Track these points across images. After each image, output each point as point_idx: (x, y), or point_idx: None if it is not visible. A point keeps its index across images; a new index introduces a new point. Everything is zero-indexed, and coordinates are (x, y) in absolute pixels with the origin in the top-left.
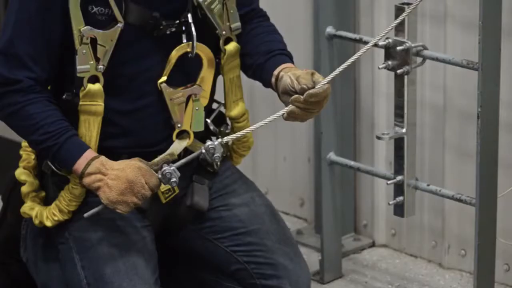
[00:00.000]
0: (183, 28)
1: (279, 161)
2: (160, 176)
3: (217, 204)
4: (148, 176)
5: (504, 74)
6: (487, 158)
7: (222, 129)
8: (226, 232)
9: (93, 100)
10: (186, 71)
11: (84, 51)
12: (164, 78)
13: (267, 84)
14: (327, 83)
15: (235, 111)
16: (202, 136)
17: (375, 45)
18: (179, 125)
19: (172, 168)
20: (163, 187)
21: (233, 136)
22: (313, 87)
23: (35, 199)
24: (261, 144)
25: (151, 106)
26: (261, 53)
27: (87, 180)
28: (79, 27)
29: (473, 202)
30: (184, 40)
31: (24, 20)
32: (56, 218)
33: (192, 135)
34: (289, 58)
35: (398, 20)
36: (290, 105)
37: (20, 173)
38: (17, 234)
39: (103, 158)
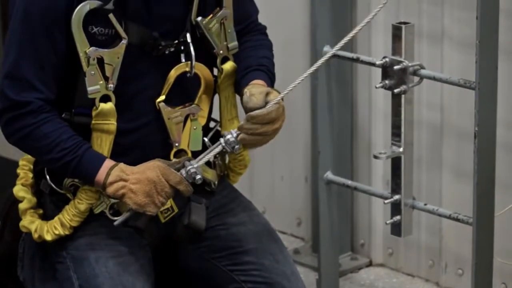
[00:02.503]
0: (182, 47)
1: (277, 180)
2: (185, 175)
3: (214, 223)
4: (168, 174)
5: (501, 93)
6: (484, 177)
7: None
8: (223, 251)
9: (105, 119)
10: (185, 91)
11: (93, 72)
12: (162, 97)
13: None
14: (275, 103)
15: (230, 129)
16: (199, 155)
17: (372, 64)
18: (176, 144)
19: (195, 165)
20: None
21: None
22: (262, 107)
23: (34, 215)
24: (258, 163)
25: (150, 125)
26: (240, 69)
27: (110, 190)
28: (85, 49)
29: (470, 221)
30: (183, 60)
31: (28, 41)
32: (57, 232)
33: (189, 154)
34: (265, 73)
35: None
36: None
37: (18, 190)
38: (15, 253)
39: (122, 165)
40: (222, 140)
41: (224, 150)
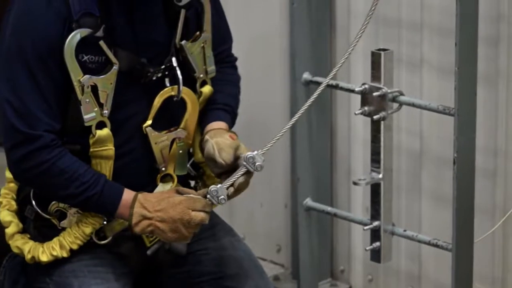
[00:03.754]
0: (166, 72)
1: (256, 207)
2: (208, 196)
3: (195, 248)
4: (191, 204)
5: (480, 119)
6: (464, 203)
7: (200, 172)
8: (204, 276)
9: (103, 145)
10: (170, 115)
11: (87, 100)
12: (149, 122)
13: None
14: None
15: (200, 155)
16: (184, 179)
17: (351, 90)
18: (163, 169)
19: (218, 186)
20: None
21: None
22: (233, 163)
23: (24, 237)
24: None
25: (137, 150)
26: (207, 102)
27: (138, 230)
28: (78, 77)
29: (449, 247)
30: (168, 84)
31: (26, 75)
32: (54, 253)
33: (175, 179)
34: (229, 115)
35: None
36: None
37: (5, 215)
38: None
39: (141, 197)
40: (243, 159)
41: (249, 170)
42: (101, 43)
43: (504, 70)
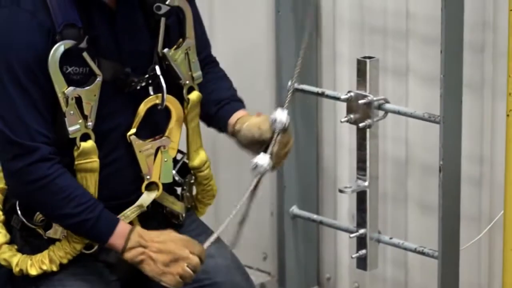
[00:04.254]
0: (150, 81)
1: None
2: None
3: None
4: (191, 245)
5: (466, 127)
6: (450, 211)
7: (187, 179)
8: (192, 284)
9: (88, 157)
10: (155, 123)
11: (72, 111)
12: (133, 130)
13: (222, 131)
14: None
15: (197, 161)
16: (169, 187)
17: (337, 98)
18: (148, 177)
19: (260, 155)
20: None
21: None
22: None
23: (12, 249)
24: (224, 198)
25: (121, 159)
26: (212, 103)
27: (128, 255)
28: (63, 89)
29: (435, 255)
30: (151, 93)
31: (17, 89)
32: (44, 267)
33: (160, 187)
34: (240, 102)
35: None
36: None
37: None
38: None
39: (139, 229)
40: (255, 172)
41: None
42: (85, 54)
43: (489, 77)
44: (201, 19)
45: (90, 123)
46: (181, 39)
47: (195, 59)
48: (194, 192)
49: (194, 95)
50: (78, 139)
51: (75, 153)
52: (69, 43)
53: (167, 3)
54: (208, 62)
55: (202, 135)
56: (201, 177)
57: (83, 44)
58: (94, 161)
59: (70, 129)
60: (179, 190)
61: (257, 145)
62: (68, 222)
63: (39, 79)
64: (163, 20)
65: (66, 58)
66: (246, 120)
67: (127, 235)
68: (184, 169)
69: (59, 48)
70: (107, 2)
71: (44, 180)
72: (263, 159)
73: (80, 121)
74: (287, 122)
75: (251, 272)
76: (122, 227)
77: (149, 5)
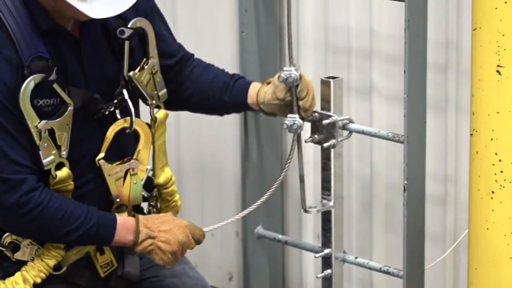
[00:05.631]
0: (117, 105)
1: (207, 235)
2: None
3: (148, 275)
4: (193, 231)
5: (430, 146)
6: (414, 230)
7: (154, 194)
8: None
9: (63, 183)
10: (123, 146)
11: (45, 144)
12: (102, 154)
13: (237, 111)
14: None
15: (162, 178)
16: (137, 204)
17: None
18: (118, 200)
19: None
20: (101, 261)
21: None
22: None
23: None
24: (189, 218)
25: (91, 182)
26: (219, 88)
27: (139, 248)
28: (35, 123)
29: (400, 274)
30: (119, 116)
31: None
32: None
33: (130, 208)
34: (242, 78)
35: None
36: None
37: None
38: None
39: (142, 219)
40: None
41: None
42: (55, 86)
43: (453, 97)
44: (168, 25)
45: (64, 153)
46: (145, 59)
47: (159, 77)
48: (159, 206)
49: (161, 114)
50: (53, 169)
51: (51, 182)
52: (38, 77)
53: (129, 26)
54: (187, 58)
55: (167, 153)
56: (165, 194)
57: (53, 76)
58: (69, 185)
59: (45, 161)
60: (145, 205)
61: (287, 108)
62: (71, 238)
63: (15, 114)
64: (127, 43)
65: (37, 91)
66: (261, 94)
67: (135, 229)
68: (149, 184)
69: (29, 84)
70: (70, 31)
71: (38, 208)
72: (290, 119)
73: (54, 151)
74: (296, 74)
75: None
76: (126, 222)
77: (112, 30)
